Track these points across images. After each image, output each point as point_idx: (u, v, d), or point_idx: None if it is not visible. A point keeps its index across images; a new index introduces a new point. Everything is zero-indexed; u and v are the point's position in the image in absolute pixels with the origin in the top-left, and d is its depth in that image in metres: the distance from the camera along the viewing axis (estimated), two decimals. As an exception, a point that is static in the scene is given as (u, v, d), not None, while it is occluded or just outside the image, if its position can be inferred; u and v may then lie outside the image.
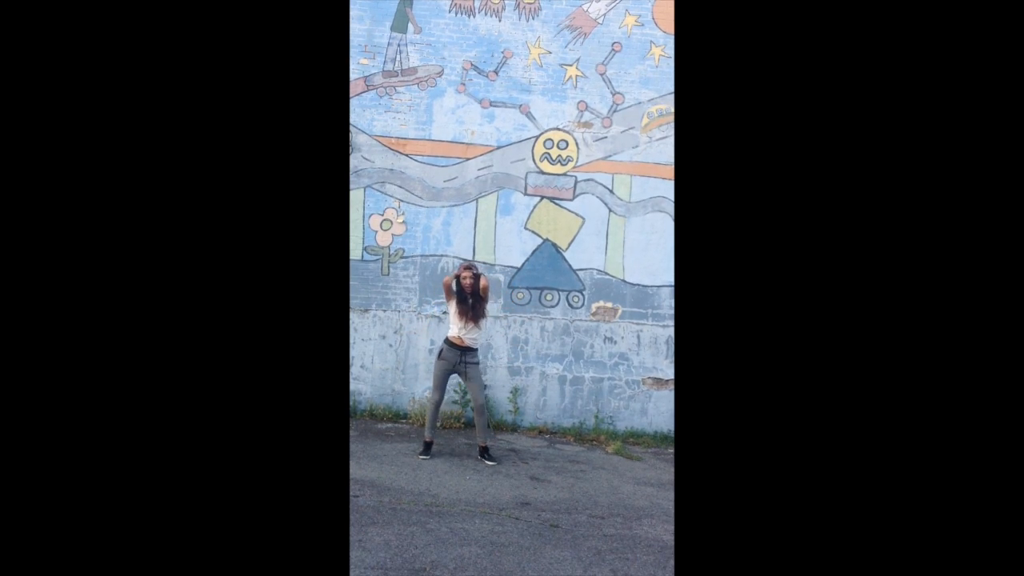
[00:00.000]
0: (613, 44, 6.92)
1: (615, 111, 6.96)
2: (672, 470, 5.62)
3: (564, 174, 6.95)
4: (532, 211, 6.95)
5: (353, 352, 6.83)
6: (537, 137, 6.94)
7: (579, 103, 6.94)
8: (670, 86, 6.89)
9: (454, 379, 5.84)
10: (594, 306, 6.99)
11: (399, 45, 6.86)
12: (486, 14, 6.88)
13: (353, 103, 6.79)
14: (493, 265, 6.93)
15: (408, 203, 6.89)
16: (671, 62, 6.89)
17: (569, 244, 6.97)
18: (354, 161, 6.80)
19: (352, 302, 6.79)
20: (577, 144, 6.95)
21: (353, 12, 6.75)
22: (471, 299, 5.47)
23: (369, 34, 6.83)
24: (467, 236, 6.93)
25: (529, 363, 6.97)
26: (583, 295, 6.99)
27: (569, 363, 6.99)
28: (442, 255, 6.92)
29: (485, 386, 6.69)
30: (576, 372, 6.99)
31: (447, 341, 5.56)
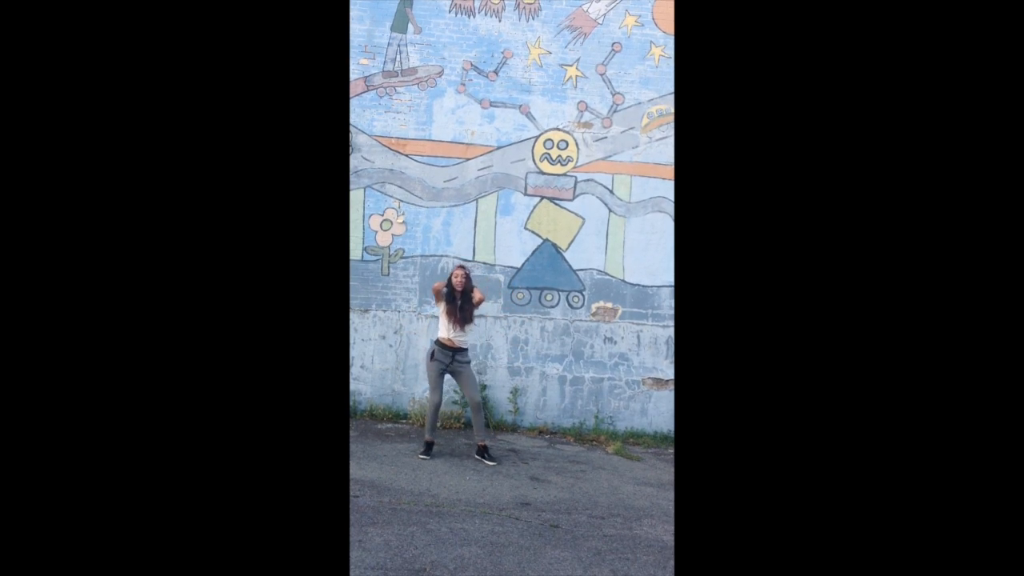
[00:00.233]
0: (613, 44, 6.93)
1: (615, 111, 6.96)
2: (672, 470, 5.62)
3: (564, 174, 6.96)
4: (532, 211, 6.95)
5: (353, 352, 6.83)
6: (537, 137, 6.94)
7: (579, 103, 6.94)
8: (670, 86, 6.89)
9: (452, 379, 5.84)
10: (594, 306, 6.99)
11: (399, 45, 6.86)
12: (486, 14, 6.88)
13: (353, 103, 6.79)
14: (493, 265, 6.93)
15: (408, 203, 6.89)
16: (671, 62, 6.89)
17: (569, 244, 6.97)
18: (354, 161, 6.80)
19: (352, 302, 6.79)
20: (577, 144, 6.95)
21: (353, 12, 6.75)
22: (460, 300, 5.47)
23: (369, 34, 6.83)
24: (467, 236, 6.93)
25: (529, 363, 6.97)
26: (583, 295, 6.99)
27: (569, 363, 6.99)
28: (442, 255, 6.92)
29: (483, 386, 6.69)
30: (576, 372, 6.99)
31: (437, 342, 5.58)
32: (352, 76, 6.75)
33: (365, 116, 6.84)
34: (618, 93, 6.95)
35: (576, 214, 6.97)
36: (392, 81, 6.87)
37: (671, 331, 6.97)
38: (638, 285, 7.00)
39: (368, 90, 6.85)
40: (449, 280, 5.56)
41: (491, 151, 6.92)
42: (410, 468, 5.21)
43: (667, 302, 7.01)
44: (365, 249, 6.87)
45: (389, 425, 6.57)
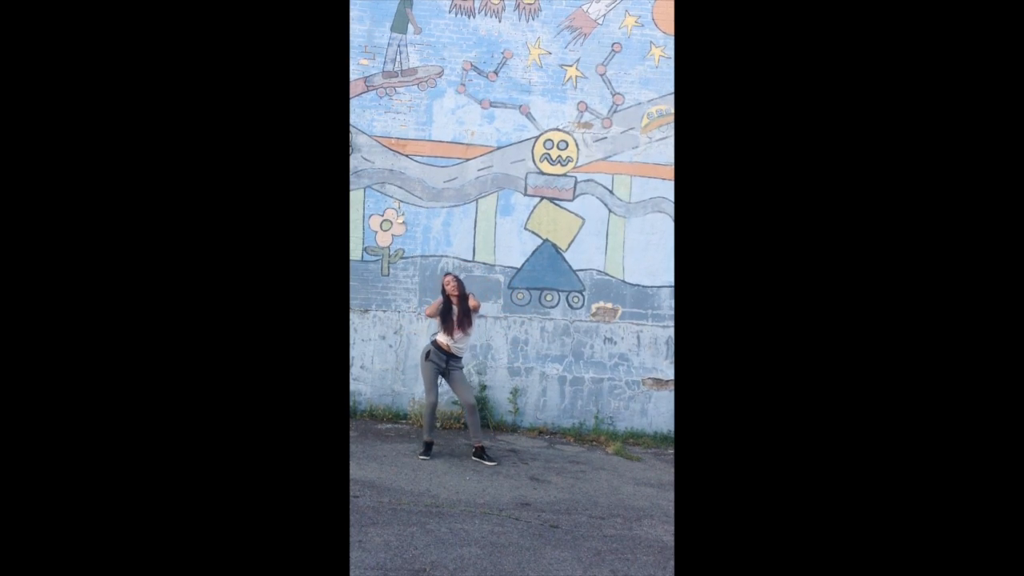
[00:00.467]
0: (613, 45, 6.93)
1: (615, 111, 6.96)
2: (672, 470, 5.62)
3: (564, 175, 6.96)
4: (532, 211, 6.95)
5: (353, 352, 6.83)
6: (537, 138, 6.94)
7: (579, 104, 6.94)
8: (670, 87, 6.89)
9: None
10: (594, 306, 6.99)
11: (399, 45, 6.86)
12: (486, 14, 6.88)
13: (353, 104, 6.79)
14: (493, 266, 6.93)
15: (408, 203, 6.89)
16: (671, 62, 6.89)
17: (569, 244, 6.97)
18: (354, 162, 6.80)
19: (352, 302, 6.79)
20: (577, 144, 6.95)
21: (353, 12, 6.75)
22: (457, 306, 5.47)
23: (369, 34, 6.83)
24: (467, 237, 6.93)
25: (529, 364, 6.97)
26: (583, 295, 6.99)
27: (569, 363, 6.99)
28: (442, 256, 6.92)
29: (483, 386, 6.69)
30: (576, 373, 6.99)
31: (435, 343, 5.57)
32: (352, 76, 6.75)
33: (365, 116, 6.84)
34: (618, 93, 6.95)
35: (576, 214, 6.97)
36: (392, 81, 6.87)
37: (671, 331, 6.97)
38: (638, 285, 7.00)
39: (368, 90, 6.85)
40: (442, 289, 5.57)
41: (491, 151, 6.92)
42: (410, 468, 5.21)
43: (667, 302, 7.01)
44: (365, 249, 6.87)
45: (389, 425, 6.57)
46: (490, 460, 5.55)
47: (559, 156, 6.95)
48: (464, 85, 6.89)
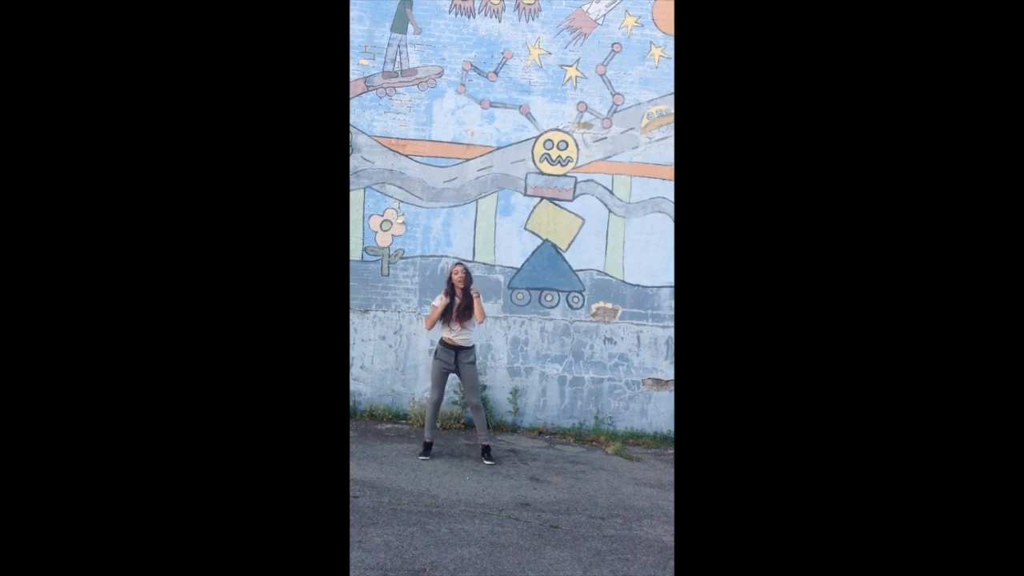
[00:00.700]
0: (613, 45, 6.93)
1: (615, 112, 6.96)
2: (672, 471, 5.62)
3: (564, 175, 6.96)
4: (532, 212, 6.95)
5: (353, 353, 6.83)
6: (537, 138, 6.94)
7: (579, 104, 6.94)
8: (670, 87, 6.89)
9: (454, 379, 5.84)
10: (594, 307, 6.99)
11: (399, 46, 6.86)
12: (486, 15, 6.88)
13: (353, 104, 6.79)
14: (493, 266, 6.93)
15: (408, 204, 6.89)
16: (671, 63, 6.89)
17: (569, 245, 6.97)
18: (354, 162, 6.80)
19: (352, 303, 6.79)
20: (577, 145, 6.95)
21: (353, 12, 6.75)
22: (461, 298, 5.45)
23: (369, 34, 6.83)
24: (467, 237, 6.93)
25: (529, 364, 6.97)
26: (583, 296, 6.98)
27: (569, 364, 6.99)
28: (442, 256, 6.92)
29: (483, 386, 6.69)
30: (576, 373, 6.99)
31: (441, 341, 5.58)
32: (352, 76, 6.75)
33: (365, 116, 6.84)
34: (618, 93, 6.95)
35: (576, 214, 6.97)
36: (392, 81, 6.87)
37: (671, 331, 6.97)
38: (638, 285, 7.00)
39: (368, 90, 6.85)
40: (449, 278, 5.56)
41: (491, 151, 6.92)
42: (410, 468, 5.21)
43: (667, 302, 7.01)
44: (365, 249, 6.87)
45: (389, 425, 6.57)
46: (490, 460, 5.55)
47: (559, 156, 6.95)
48: (464, 85, 6.89)
